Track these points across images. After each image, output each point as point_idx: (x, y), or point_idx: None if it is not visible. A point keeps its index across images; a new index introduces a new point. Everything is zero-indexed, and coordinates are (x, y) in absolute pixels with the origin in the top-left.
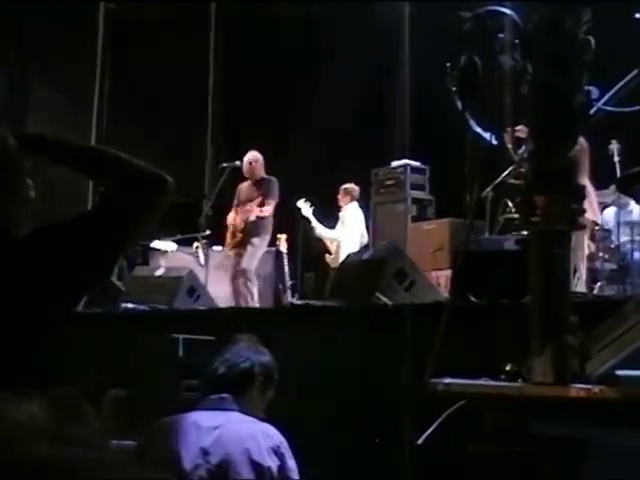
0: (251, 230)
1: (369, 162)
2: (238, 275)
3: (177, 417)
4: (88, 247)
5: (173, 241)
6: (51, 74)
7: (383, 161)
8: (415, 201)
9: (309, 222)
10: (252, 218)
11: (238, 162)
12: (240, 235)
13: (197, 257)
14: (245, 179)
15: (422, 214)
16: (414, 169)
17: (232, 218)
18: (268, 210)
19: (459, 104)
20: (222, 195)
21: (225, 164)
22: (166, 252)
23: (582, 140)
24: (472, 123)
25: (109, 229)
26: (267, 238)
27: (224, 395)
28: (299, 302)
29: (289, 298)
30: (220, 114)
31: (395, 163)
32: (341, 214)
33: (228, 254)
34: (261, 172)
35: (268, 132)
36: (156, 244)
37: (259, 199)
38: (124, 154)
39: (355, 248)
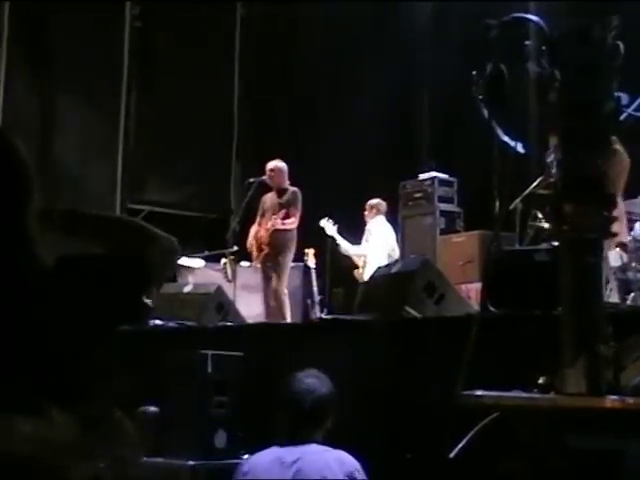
0: (276, 243)
1: (397, 175)
2: (270, 295)
3: (260, 455)
4: (119, 295)
5: (201, 258)
6: (78, 90)
7: (411, 174)
8: (443, 214)
9: (334, 240)
10: (277, 227)
11: (265, 177)
12: (267, 248)
13: (225, 273)
14: (271, 190)
15: (451, 227)
16: (442, 181)
17: (256, 230)
18: (292, 222)
19: (486, 113)
20: (249, 211)
21: (252, 179)
22: (194, 269)
23: (624, 156)
24: (499, 132)
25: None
26: (292, 251)
27: (303, 429)
28: (328, 317)
29: (318, 313)
30: (246, 129)
31: (423, 176)
32: (367, 229)
33: (257, 266)
34: (283, 181)
35: (294, 147)
36: (184, 261)
37: (283, 211)
38: (150, 228)
39: (382, 262)
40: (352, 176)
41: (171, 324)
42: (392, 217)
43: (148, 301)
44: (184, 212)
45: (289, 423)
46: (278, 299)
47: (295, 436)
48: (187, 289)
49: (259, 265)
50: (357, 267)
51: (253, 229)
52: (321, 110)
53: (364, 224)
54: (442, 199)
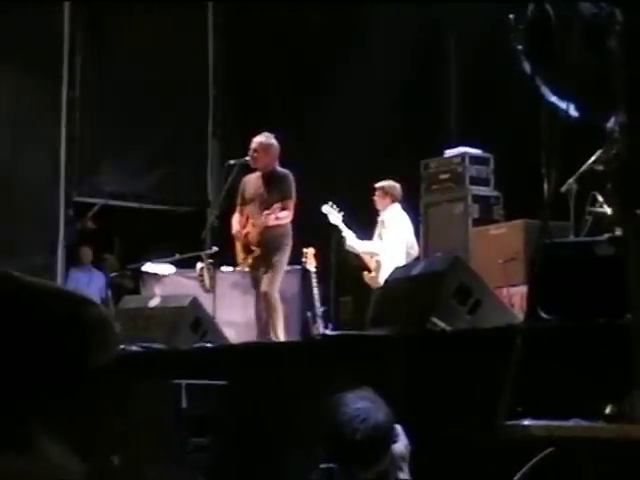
0: (269, 242)
1: (417, 153)
2: (260, 302)
3: None
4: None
5: (170, 262)
6: (9, 54)
7: (434, 151)
8: (477, 199)
9: (339, 232)
10: (270, 223)
11: (247, 158)
12: (257, 249)
13: (202, 281)
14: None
15: (487, 215)
16: (475, 158)
17: (239, 224)
18: (287, 216)
19: (527, 67)
20: (231, 202)
21: (233, 161)
22: (162, 277)
23: None
24: (545, 92)
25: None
26: (288, 249)
27: (349, 468)
28: (333, 333)
29: (321, 328)
30: (225, 100)
31: (450, 152)
32: (380, 220)
33: (244, 272)
34: (271, 162)
35: (287, 120)
36: (149, 267)
37: (276, 203)
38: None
39: (401, 262)
40: (360, 155)
41: (134, 348)
42: (410, 205)
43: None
44: (148, 205)
45: (332, 461)
46: (269, 305)
47: (344, 477)
48: (153, 303)
49: (247, 270)
50: (368, 269)
51: (235, 222)
52: (321, 74)
53: (375, 215)
54: (475, 180)
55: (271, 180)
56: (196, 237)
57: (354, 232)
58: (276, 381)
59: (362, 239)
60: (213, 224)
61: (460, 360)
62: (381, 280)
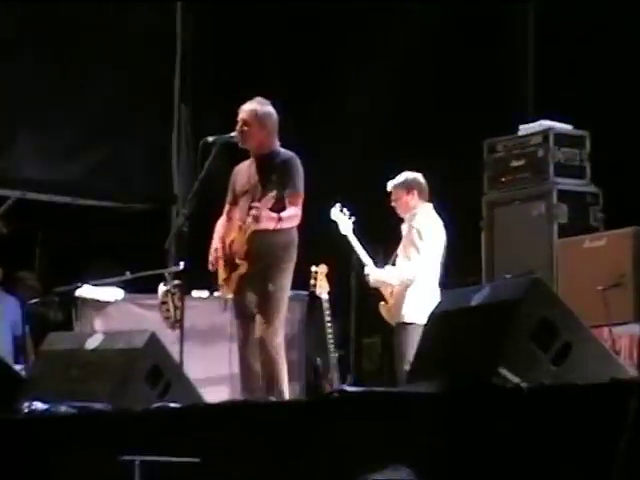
0: (263, 254)
1: (476, 127)
2: (252, 350)
3: None
4: None
5: (118, 285)
6: None
7: (504, 125)
8: (567, 196)
9: (352, 249)
10: (265, 226)
11: (233, 133)
12: (245, 263)
13: (165, 312)
14: (244, 156)
15: (581, 221)
16: (563, 137)
17: (222, 230)
18: (292, 217)
19: None
20: (208, 197)
21: (211, 138)
22: (106, 305)
23: None
24: None
25: None
26: (291, 268)
27: None
28: (354, 389)
29: (336, 382)
30: (199, 56)
31: (526, 127)
32: (406, 229)
33: (225, 298)
34: (269, 139)
35: (287, 88)
36: (86, 291)
37: (270, 195)
38: None
39: (434, 288)
40: (386, 134)
41: (63, 409)
42: (465, 204)
43: (18, 368)
44: (84, 201)
45: None
46: (268, 357)
47: None
48: (93, 343)
49: (229, 295)
50: (384, 299)
51: (221, 228)
52: (334, 27)
53: (397, 221)
54: (563, 169)
55: (268, 165)
56: (157, 248)
57: (370, 251)
58: (271, 457)
59: (381, 259)
60: (182, 229)
61: (541, 430)
62: (402, 315)
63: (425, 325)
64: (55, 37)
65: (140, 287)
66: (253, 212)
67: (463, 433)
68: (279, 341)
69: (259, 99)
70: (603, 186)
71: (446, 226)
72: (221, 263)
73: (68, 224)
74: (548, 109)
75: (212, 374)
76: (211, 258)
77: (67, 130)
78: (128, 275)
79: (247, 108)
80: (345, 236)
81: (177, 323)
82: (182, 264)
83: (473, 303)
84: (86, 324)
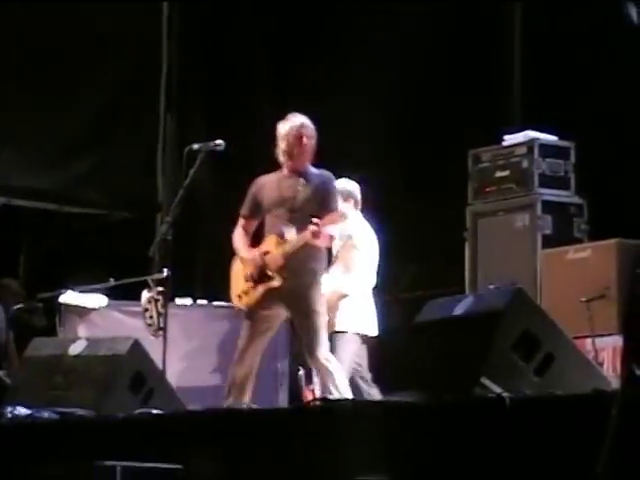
0: (302, 273)
1: (462, 138)
2: (249, 357)
3: None
4: None
5: (101, 292)
6: None
7: (489, 136)
8: (551, 207)
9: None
10: (316, 240)
11: (219, 141)
12: (278, 278)
13: (149, 318)
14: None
15: (565, 232)
16: (547, 148)
17: (244, 241)
18: (329, 237)
19: (633, 13)
20: (193, 205)
21: (196, 145)
22: (88, 311)
23: None
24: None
25: None
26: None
27: None
28: (336, 398)
29: (317, 391)
30: (183, 59)
31: (511, 138)
32: (345, 235)
33: (236, 308)
34: (308, 157)
35: (272, 91)
36: (70, 297)
37: (313, 211)
38: None
39: (369, 295)
40: (376, 142)
41: (46, 415)
42: (450, 214)
43: (1, 373)
44: (69, 208)
45: None
46: (324, 370)
47: None
48: (76, 350)
49: (245, 306)
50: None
51: (240, 239)
52: (322, 19)
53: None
54: (548, 180)
55: (306, 182)
56: (141, 255)
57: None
58: (253, 464)
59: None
60: (166, 237)
61: (523, 440)
62: (337, 322)
63: (410, 334)
64: (40, 47)
65: (124, 294)
66: (313, 228)
67: (445, 443)
68: (329, 356)
69: (299, 116)
70: (587, 197)
71: (430, 236)
72: (240, 273)
73: (53, 231)
74: (533, 120)
75: (194, 381)
76: (250, 271)
77: (53, 138)
78: (112, 282)
79: (287, 125)
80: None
81: (160, 330)
82: (166, 271)
83: (456, 313)
84: (70, 330)
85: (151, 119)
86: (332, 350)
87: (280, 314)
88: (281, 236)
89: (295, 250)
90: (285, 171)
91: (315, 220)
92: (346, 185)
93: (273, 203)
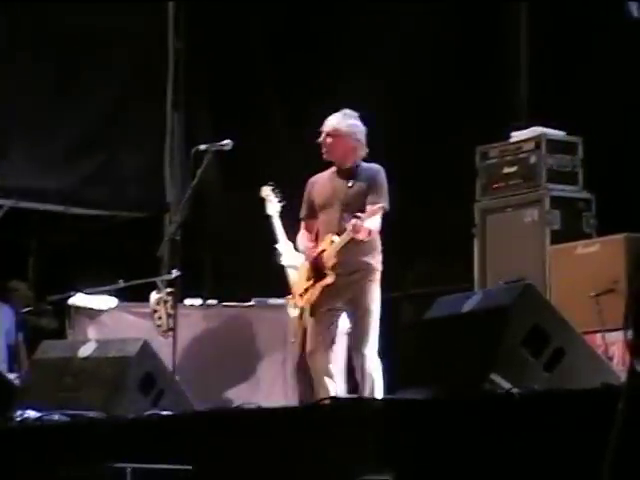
0: (358, 268)
1: (469, 134)
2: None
3: None
4: None
5: (111, 293)
6: None
7: (496, 132)
8: (559, 203)
9: (273, 231)
10: (363, 235)
11: (226, 141)
12: (332, 274)
13: (158, 319)
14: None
15: (573, 227)
16: (555, 144)
17: (309, 242)
18: (378, 229)
19: (634, 8)
20: (200, 204)
21: (203, 146)
22: (99, 313)
23: None
24: None
25: None
26: (379, 277)
27: None
28: (347, 396)
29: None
30: (189, 61)
31: (519, 134)
32: None
33: (290, 307)
34: (355, 152)
35: (278, 90)
36: (79, 299)
37: (378, 206)
38: None
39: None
40: (383, 138)
41: (57, 418)
42: (459, 210)
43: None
44: (77, 209)
45: None
46: (364, 370)
47: None
48: (86, 351)
49: (302, 305)
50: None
51: (305, 242)
52: (332, 25)
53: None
54: (556, 176)
55: (355, 177)
56: (150, 256)
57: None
58: (263, 464)
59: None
60: (174, 237)
61: (533, 436)
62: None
63: (417, 331)
64: (48, 46)
65: (133, 295)
66: (355, 222)
67: (455, 439)
68: (374, 353)
69: (346, 111)
70: (596, 192)
71: (439, 233)
72: (300, 274)
73: (61, 233)
74: (541, 115)
75: (205, 381)
76: (309, 270)
77: (60, 139)
78: (121, 283)
79: (331, 121)
80: (269, 216)
81: (169, 331)
82: (174, 272)
83: (465, 309)
84: (79, 332)
85: (158, 119)
86: None
87: (340, 310)
88: (338, 234)
89: (343, 246)
90: (334, 168)
91: (358, 214)
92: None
93: (324, 202)
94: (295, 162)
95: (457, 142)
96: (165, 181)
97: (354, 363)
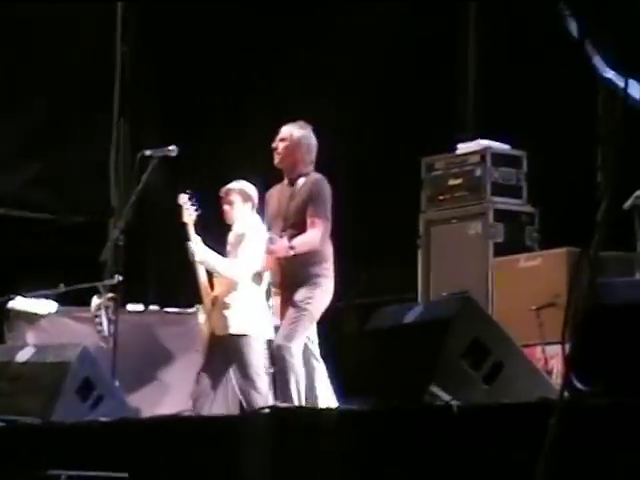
0: (296, 279)
1: (415, 146)
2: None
3: None
4: None
5: (51, 297)
6: None
7: (442, 144)
8: (503, 216)
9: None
10: (281, 253)
11: (171, 147)
12: (280, 292)
13: (99, 325)
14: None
15: (516, 240)
16: (500, 157)
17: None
18: (306, 243)
19: (574, 29)
20: (146, 209)
21: (149, 151)
22: (37, 317)
23: None
24: (598, 64)
25: None
26: (322, 291)
27: None
28: (287, 405)
29: (270, 398)
30: (136, 65)
31: (465, 146)
32: (235, 235)
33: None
34: (302, 161)
35: (226, 97)
36: (18, 303)
37: (296, 218)
38: None
39: (255, 290)
40: (329, 151)
41: None
42: (404, 221)
43: None
44: (17, 212)
45: None
46: (281, 364)
47: None
48: (23, 356)
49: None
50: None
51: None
52: (284, 27)
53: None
54: (500, 189)
55: (298, 188)
56: (92, 261)
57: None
58: (198, 473)
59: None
60: (117, 242)
61: (471, 448)
62: (232, 325)
63: (359, 341)
64: None
65: (74, 300)
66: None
67: (393, 450)
68: (296, 350)
69: (300, 122)
70: (539, 206)
71: (383, 243)
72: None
73: (2, 236)
74: (486, 128)
75: (144, 388)
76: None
77: (2, 142)
78: (62, 288)
79: (287, 128)
80: (185, 224)
81: (110, 337)
82: (117, 277)
83: (406, 321)
84: (18, 337)
85: (104, 122)
86: (234, 355)
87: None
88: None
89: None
90: (285, 181)
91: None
92: (246, 187)
93: (272, 215)
94: (241, 168)
95: (403, 153)
96: (110, 185)
97: (277, 356)
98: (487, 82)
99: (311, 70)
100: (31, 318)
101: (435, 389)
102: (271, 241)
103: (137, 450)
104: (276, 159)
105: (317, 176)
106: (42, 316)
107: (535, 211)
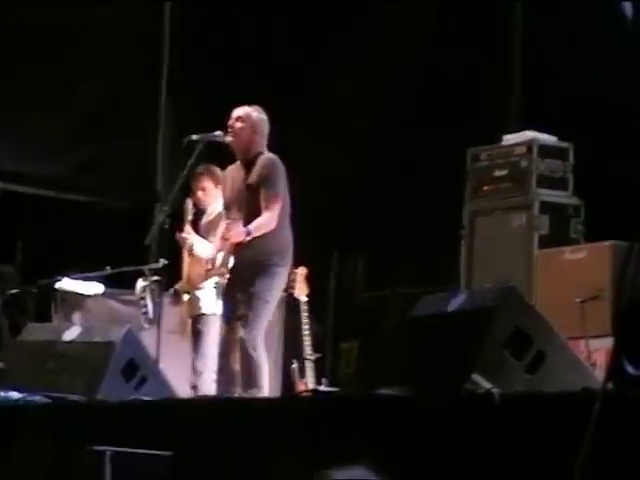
0: (253, 260)
1: (460, 137)
2: (232, 350)
3: None
4: None
5: (97, 279)
6: None
7: (487, 135)
8: (548, 208)
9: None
10: (243, 236)
11: (219, 133)
12: (229, 272)
13: (144, 307)
14: (226, 156)
15: (562, 232)
16: (547, 149)
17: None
18: (263, 225)
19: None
20: (189, 196)
21: (195, 136)
22: (84, 298)
23: None
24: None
25: None
26: (282, 272)
27: None
28: (328, 389)
29: (309, 382)
30: (183, 51)
31: (510, 137)
32: (209, 218)
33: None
34: (255, 144)
35: (269, 84)
36: (66, 284)
37: (251, 199)
38: None
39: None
40: (372, 140)
41: (37, 398)
42: (448, 213)
43: None
44: (67, 195)
45: None
46: (245, 357)
47: None
48: (70, 336)
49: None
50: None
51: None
52: (317, 24)
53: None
54: (546, 181)
55: (252, 169)
56: (137, 244)
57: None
58: (243, 453)
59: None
60: (163, 226)
61: (513, 437)
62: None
63: (402, 329)
64: (39, 34)
65: (119, 283)
66: (232, 228)
67: (433, 437)
68: (260, 344)
69: (256, 107)
70: (585, 198)
71: (428, 234)
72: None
73: (50, 218)
74: (533, 120)
75: (185, 370)
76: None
77: (53, 125)
78: (108, 270)
79: (240, 111)
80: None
81: (155, 319)
82: (162, 261)
83: (449, 309)
84: (65, 317)
85: (151, 107)
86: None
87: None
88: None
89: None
90: (238, 162)
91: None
92: (216, 171)
93: (228, 197)
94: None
95: (448, 144)
96: (156, 170)
97: (234, 347)
98: (533, 73)
99: (358, 58)
100: (78, 299)
101: (477, 377)
102: (227, 227)
103: (181, 430)
104: (232, 137)
105: (271, 156)
106: (88, 297)
107: (581, 203)
